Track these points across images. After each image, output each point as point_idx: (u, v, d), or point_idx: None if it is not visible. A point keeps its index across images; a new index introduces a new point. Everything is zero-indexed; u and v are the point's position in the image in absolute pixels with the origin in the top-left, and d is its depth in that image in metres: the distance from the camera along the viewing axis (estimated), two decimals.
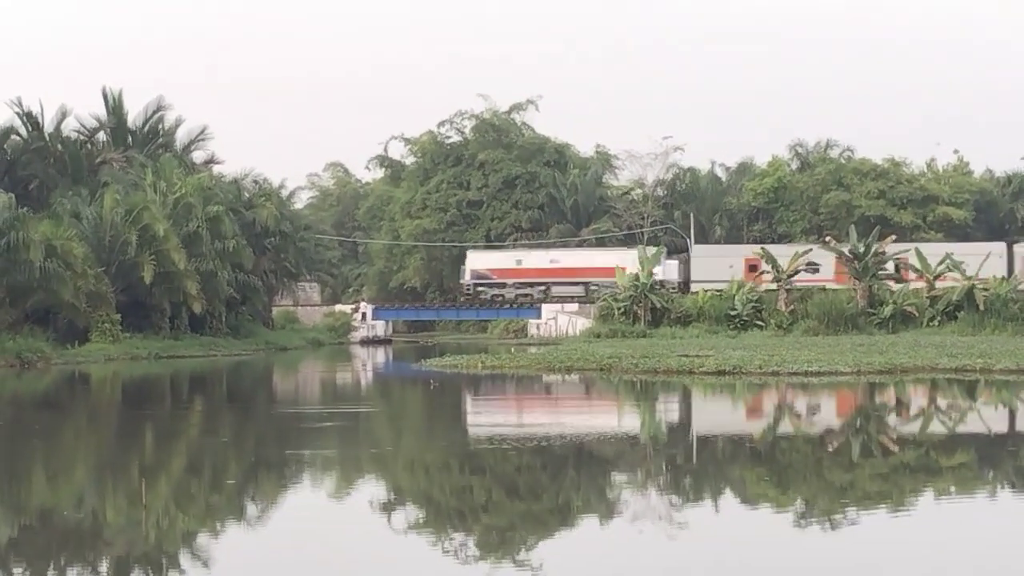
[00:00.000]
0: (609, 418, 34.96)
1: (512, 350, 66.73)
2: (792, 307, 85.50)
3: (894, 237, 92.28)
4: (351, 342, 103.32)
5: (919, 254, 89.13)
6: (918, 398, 40.24)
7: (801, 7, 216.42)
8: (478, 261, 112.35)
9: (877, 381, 44.08)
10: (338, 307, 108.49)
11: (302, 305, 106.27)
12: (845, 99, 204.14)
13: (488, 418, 35.06)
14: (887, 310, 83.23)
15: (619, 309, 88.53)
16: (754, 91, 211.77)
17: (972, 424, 32.23)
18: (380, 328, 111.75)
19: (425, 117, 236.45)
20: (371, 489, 22.11)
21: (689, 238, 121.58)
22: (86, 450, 27.93)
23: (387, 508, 19.59)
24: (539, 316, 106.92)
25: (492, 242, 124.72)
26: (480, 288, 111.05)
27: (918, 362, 49.18)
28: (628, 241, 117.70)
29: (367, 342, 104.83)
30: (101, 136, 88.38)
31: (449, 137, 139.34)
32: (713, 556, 15.75)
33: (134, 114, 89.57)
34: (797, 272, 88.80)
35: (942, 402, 39.04)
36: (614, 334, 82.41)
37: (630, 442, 28.41)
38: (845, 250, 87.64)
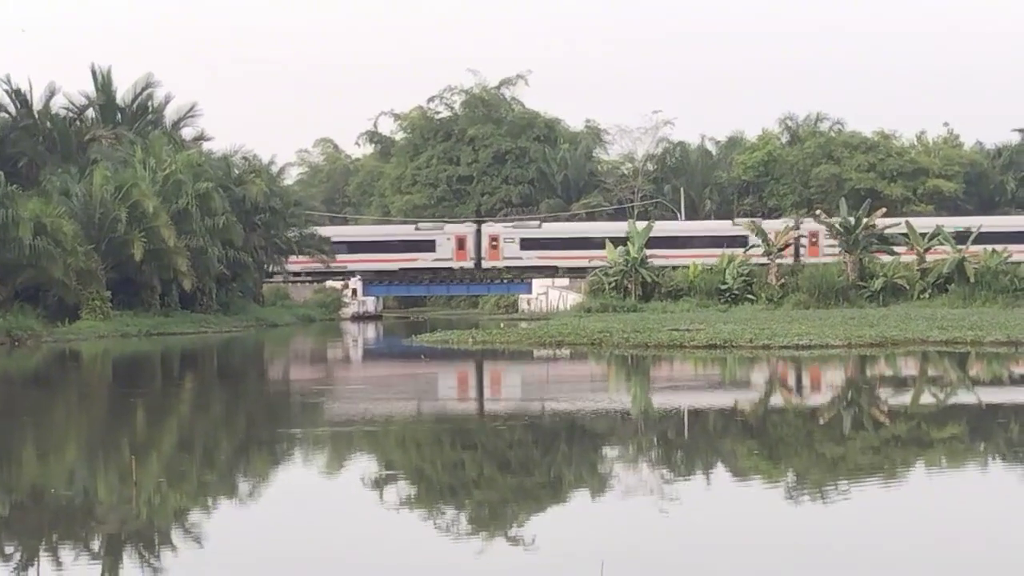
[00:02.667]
0: (600, 393, 34.96)
1: (502, 325, 66.74)
2: (783, 280, 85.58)
3: (884, 210, 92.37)
4: (342, 318, 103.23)
5: (909, 226, 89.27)
6: (909, 371, 40.27)
7: None
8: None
9: (868, 354, 44.13)
10: (328, 283, 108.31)
11: (292, 282, 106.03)
12: (835, 72, 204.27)
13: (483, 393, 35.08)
14: (878, 283, 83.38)
15: (610, 283, 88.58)
16: (744, 65, 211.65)
17: (963, 396, 32.26)
18: (371, 304, 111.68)
19: (415, 92, 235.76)
20: (364, 466, 22.08)
21: (679, 212, 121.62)
22: (76, 428, 27.90)
23: (377, 485, 19.58)
24: (530, 291, 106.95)
25: (483, 217, 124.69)
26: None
27: (909, 335, 49.25)
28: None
29: (358, 318, 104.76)
30: (90, 113, 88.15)
31: (439, 112, 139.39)
32: (704, 530, 15.74)
33: (123, 91, 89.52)
34: (787, 247, 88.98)
35: (933, 374, 39.08)
36: (605, 309, 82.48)
37: (621, 417, 28.40)
38: (836, 223, 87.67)
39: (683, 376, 40.01)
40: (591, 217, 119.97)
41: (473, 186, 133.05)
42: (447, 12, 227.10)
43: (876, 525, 15.71)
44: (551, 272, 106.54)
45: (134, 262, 71.10)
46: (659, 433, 25.64)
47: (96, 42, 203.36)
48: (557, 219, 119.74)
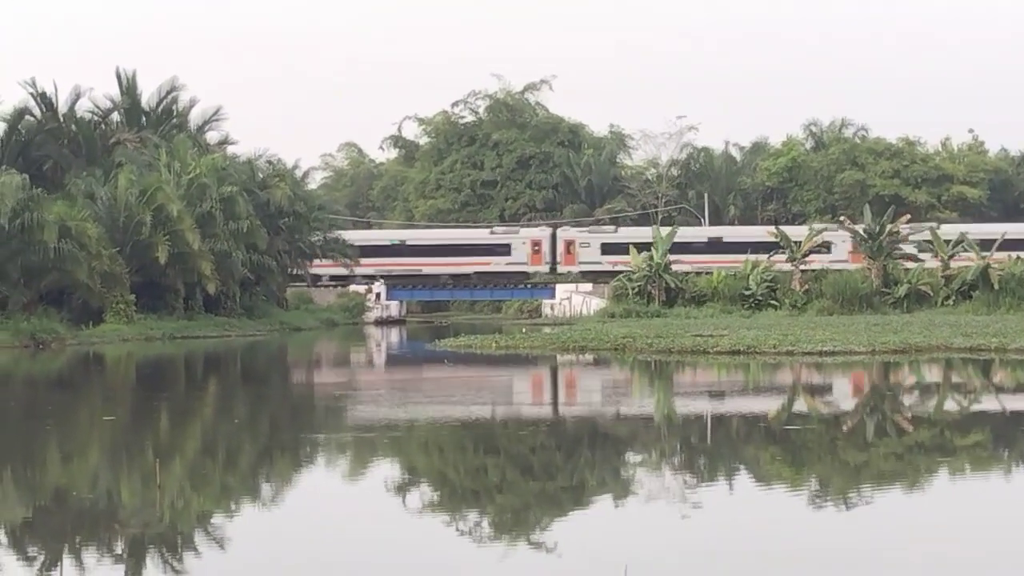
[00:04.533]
0: (624, 398, 34.96)
1: (524, 330, 66.69)
2: (806, 287, 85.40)
3: (909, 216, 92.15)
4: (365, 322, 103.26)
5: (934, 233, 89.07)
6: (932, 377, 40.16)
7: None
8: None
9: (892, 361, 44.02)
10: (352, 287, 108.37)
11: (316, 285, 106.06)
12: (860, 78, 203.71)
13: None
14: (902, 289, 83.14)
15: (633, 289, 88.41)
16: (768, 70, 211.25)
17: (987, 404, 32.18)
18: (394, 308, 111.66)
19: (439, 97, 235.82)
20: (387, 471, 22.09)
21: (703, 218, 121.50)
22: (100, 431, 27.93)
23: (400, 490, 19.60)
24: (553, 296, 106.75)
25: (506, 222, 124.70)
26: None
27: (932, 341, 49.05)
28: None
29: (381, 322, 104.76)
30: (115, 117, 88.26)
31: (463, 117, 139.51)
32: (727, 536, 15.73)
33: (148, 95, 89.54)
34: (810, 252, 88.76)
35: (956, 381, 38.96)
36: (628, 314, 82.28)
37: (643, 422, 28.40)
38: (860, 229, 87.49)
39: (706, 382, 39.99)
40: (614, 222, 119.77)
41: (497, 191, 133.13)
42: (472, 16, 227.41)
43: (900, 533, 15.69)
44: None
45: (158, 265, 71.26)
46: (682, 438, 25.63)
47: (121, 46, 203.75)
48: (581, 224, 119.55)
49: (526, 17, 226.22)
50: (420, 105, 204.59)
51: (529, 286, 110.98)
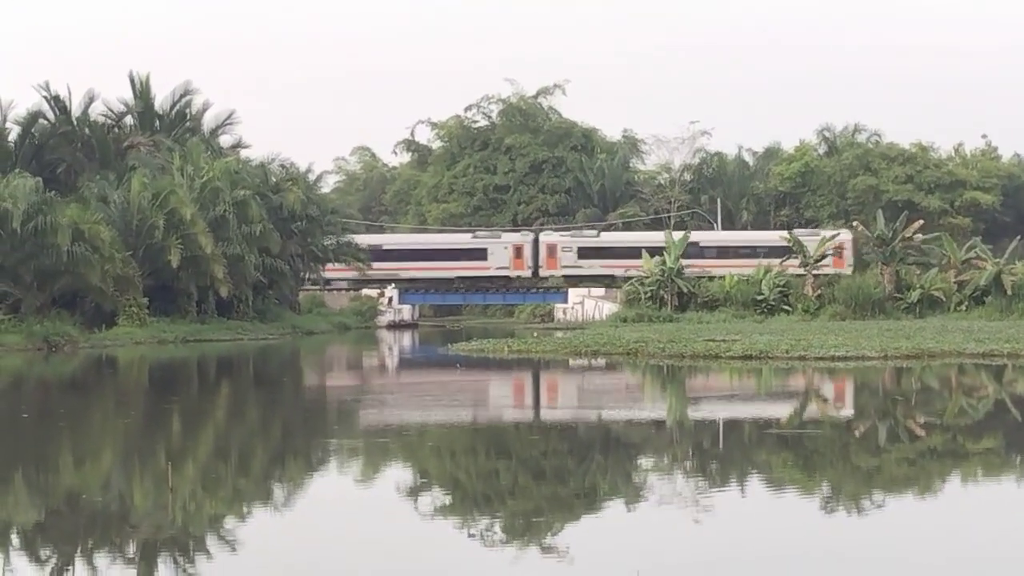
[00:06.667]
0: (636, 403, 34.95)
1: (536, 334, 66.71)
2: (819, 292, 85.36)
3: (921, 222, 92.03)
4: (377, 326, 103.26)
5: (947, 239, 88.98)
6: (945, 383, 40.10)
7: None
8: None
9: (904, 366, 43.96)
10: (364, 291, 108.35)
11: (328, 289, 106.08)
12: (873, 83, 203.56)
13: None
14: (914, 295, 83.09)
15: (646, 294, 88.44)
16: (782, 76, 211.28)
17: (999, 409, 32.11)
18: (406, 312, 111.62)
19: (452, 101, 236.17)
20: (399, 475, 22.10)
21: (716, 223, 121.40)
22: (112, 434, 27.98)
23: (411, 494, 19.60)
24: (566, 300, 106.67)
25: (519, 226, 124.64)
26: None
27: (945, 347, 48.99)
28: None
29: (393, 326, 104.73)
30: (128, 120, 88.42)
31: (476, 121, 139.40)
32: (739, 542, 15.71)
33: (161, 98, 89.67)
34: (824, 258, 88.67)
35: (969, 387, 38.90)
36: (641, 319, 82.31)
37: (655, 427, 28.39)
38: (872, 235, 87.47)
39: (719, 387, 39.95)
40: (627, 227, 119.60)
41: (510, 195, 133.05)
42: (485, 21, 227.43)
43: (913, 539, 15.66)
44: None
45: (171, 269, 71.35)
46: (694, 444, 25.60)
47: (134, 49, 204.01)
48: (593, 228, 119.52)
49: (539, 22, 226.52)
50: (433, 109, 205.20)
51: (543, 290, 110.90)
